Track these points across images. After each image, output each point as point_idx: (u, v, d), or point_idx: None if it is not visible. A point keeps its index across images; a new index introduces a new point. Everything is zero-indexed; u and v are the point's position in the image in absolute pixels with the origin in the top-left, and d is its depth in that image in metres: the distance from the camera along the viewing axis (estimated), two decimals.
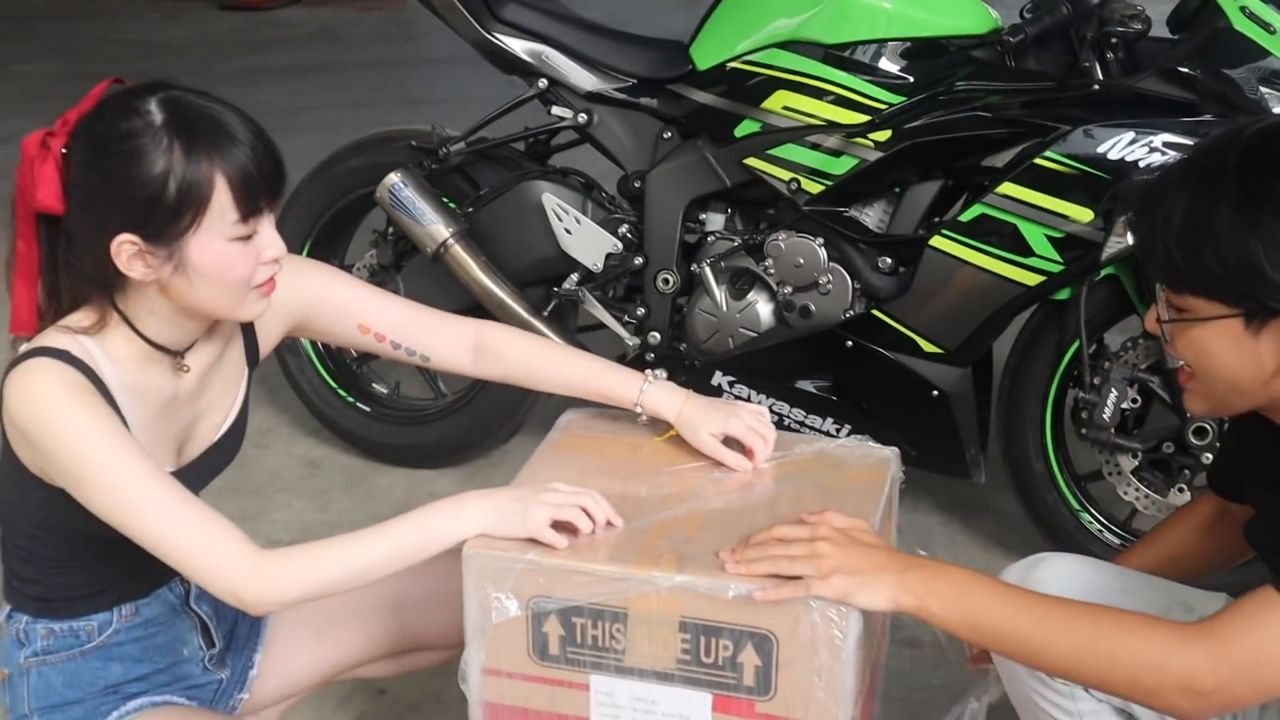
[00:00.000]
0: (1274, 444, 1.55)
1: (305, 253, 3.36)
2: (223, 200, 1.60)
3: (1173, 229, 1.38)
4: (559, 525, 1.67)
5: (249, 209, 1.62)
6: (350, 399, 3.42)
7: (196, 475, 1.84)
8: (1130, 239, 1.72)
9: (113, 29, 8.70)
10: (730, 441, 1.88)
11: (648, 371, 1.95)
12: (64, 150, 1.62)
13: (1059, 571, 1.83)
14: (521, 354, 2.01)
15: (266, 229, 1.67)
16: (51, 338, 1.66)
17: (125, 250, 1.59)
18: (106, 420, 1.63)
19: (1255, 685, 1.43)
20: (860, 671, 1.66)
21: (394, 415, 3.43)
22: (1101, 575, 1.85)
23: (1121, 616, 1.52)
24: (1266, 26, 2.50)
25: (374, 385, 3.52)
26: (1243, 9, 2.50)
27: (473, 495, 1.76)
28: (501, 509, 1.69)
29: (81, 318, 1.68)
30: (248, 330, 1.91)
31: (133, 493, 1.62)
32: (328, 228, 3.37)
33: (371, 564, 1.69)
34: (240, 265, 1.65)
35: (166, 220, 1.58)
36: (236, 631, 2.04)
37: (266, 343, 1.95)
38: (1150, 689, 1.46)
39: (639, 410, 1.92)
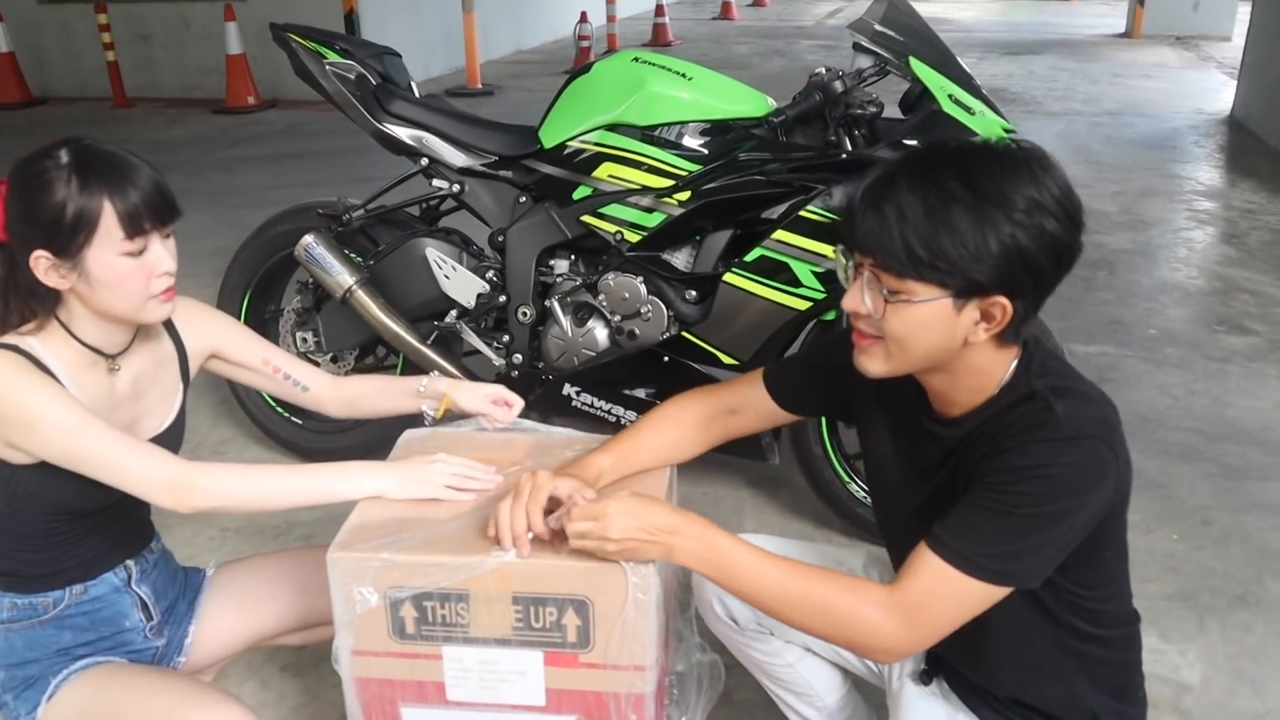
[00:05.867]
0: (915, 392, 1.41)
1: (247, 298, 3.08)
2: (109, 222, 1.45)
3: (911, 224, 1.21)
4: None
5: (133, 229, 1.46)
6: (285, 415, 3.12)
7: None
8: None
9: (130, 132, 8.14)
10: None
11: (423, 377, 1.88)
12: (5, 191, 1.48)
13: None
14: (359, 385, 1.93)
15: (156, 247, 1.51)
16: (1, 339, 1.51)
17: (41, 263, 1.47)
18: (48, 382, 1.48)
19: (934, 637, 1.32)
20: (661, 621, 1.49)
21: (320, 427, 3.12)
22: (779, 546, 1.67)
23: (825, 574, 1.34)
24: (968, 110, 2.37)
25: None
26: (950, 96, 2.36)
27: (377, 464, 1.61)
28: (400, 477, 1.59)
29: (26, 327, 1.53)
30: (181, 356, 1.74)
31: (75, 427, 1.46)
32: (264, 279, 3.07)
33: (286, 494, 1.58)
34: (133, 277, 1.49)
35: (66, 238, 1.45)
36: (175, 607, 1.83)
37: (194, 366, 1.77)
38: (860, 648, 1.36)
39: (422, 389, 1.85)
